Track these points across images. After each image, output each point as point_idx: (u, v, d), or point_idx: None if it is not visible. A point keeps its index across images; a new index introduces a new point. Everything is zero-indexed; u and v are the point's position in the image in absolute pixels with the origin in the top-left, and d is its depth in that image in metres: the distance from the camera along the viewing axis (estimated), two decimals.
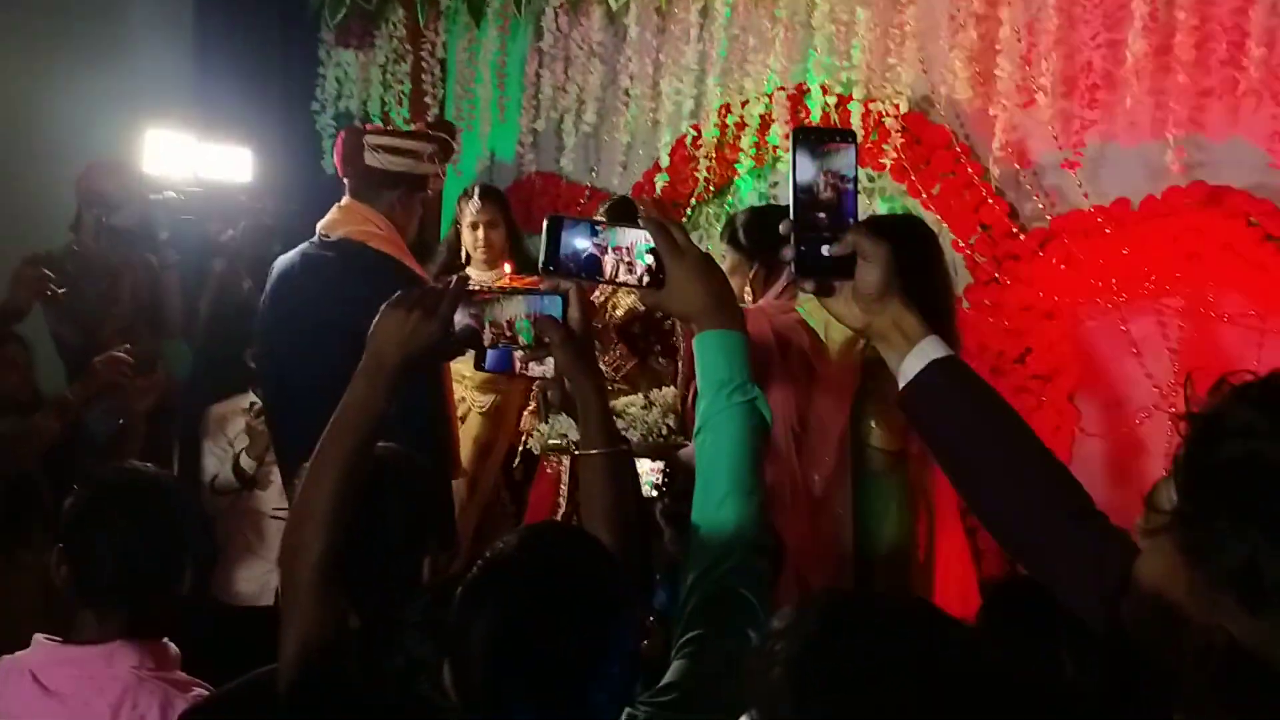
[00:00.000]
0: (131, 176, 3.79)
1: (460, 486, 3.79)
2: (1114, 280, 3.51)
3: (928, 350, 1.34)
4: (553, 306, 1.57)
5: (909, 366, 1.34)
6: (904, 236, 2.74)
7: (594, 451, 1.57)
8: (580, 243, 1.42)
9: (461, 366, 3.12)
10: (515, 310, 1.58)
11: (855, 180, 1.33)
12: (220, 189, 3.91)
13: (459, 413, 3.84)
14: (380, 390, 1.53)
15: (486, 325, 1.57)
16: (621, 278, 1.44)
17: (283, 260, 2.94)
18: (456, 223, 4.07)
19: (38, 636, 1.79)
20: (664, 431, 2.92)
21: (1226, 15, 3.21)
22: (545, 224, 1.43)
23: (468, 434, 3.82)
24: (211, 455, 3.66)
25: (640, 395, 3.00)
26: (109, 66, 4.49)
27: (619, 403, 2.99)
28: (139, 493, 1.84)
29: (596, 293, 3.44)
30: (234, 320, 3.77)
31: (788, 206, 1.32)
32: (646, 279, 1.42)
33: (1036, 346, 3.64)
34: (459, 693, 1.18)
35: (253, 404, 3.63)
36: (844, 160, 1.31)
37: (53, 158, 4.08)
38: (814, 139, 1.32)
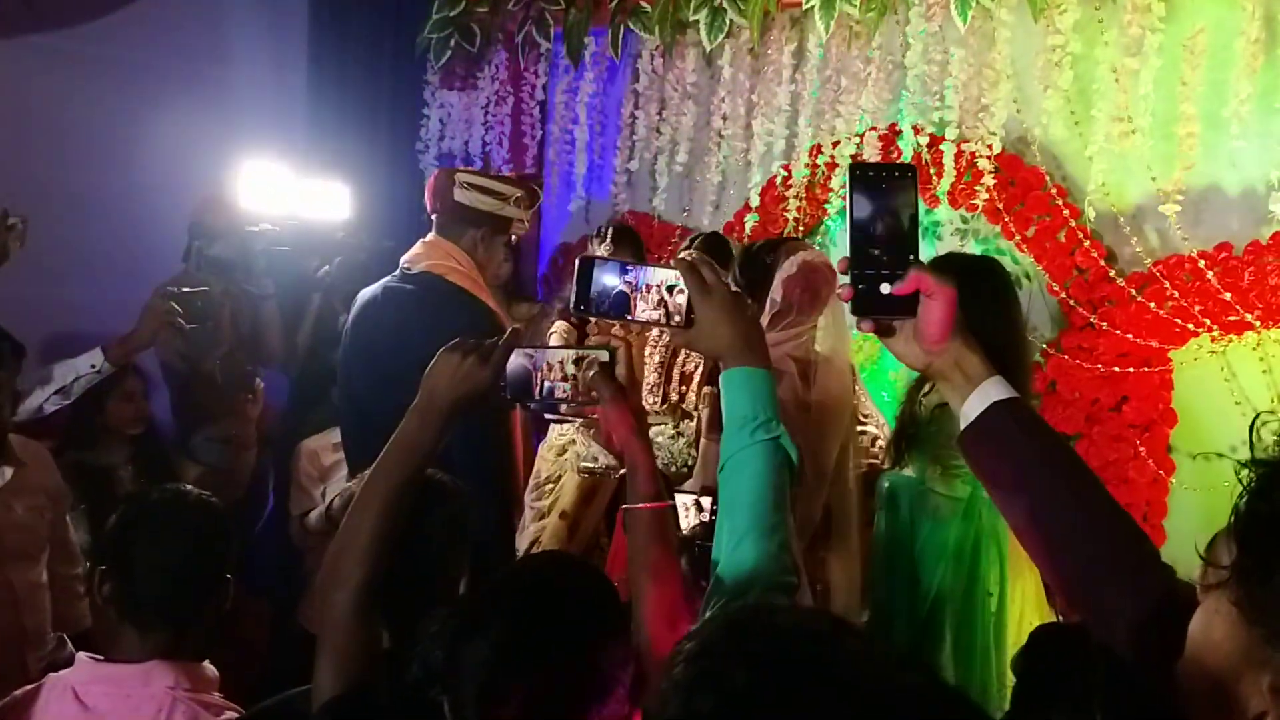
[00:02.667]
0: (231, 209, 3.94)
1: (561, 529, 3.81)
2: (1216, 327, 3.37)
3: (990, 391, 1.30)
4: (602, 358, 1.60)
5: (970, 407, 1.31)
6: (977, 277, 2.69)
7: (640, 506, 1.58)
8: (610, 282, 1.45)
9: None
10: (566, 357, 1.62)
11: (916, 216, 1.30)
12: (318, 225, 4.04)
13: (566, 456, 3.87)
14: (430, 429, 1.58)
15: (540, 368, 1.62)
16: (651, 316, 1.45)
17: (365, 292, 3.02)
18: None
19: (80, 654, 1.85)
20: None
21: None
22: (576, 265, 1.46)
23: (571, 480, 3.84)
24: (302, 489, 3.72)
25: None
26: (223, 105, 4.71)
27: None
28: (182, 513, 1.89)
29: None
30: (329, 354, 3.87)
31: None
32: (676, 318, 1.43)
33: (1134, 394, 3.51)
34: None
35: None
36: (903, 197, 1.29)
37: (164, 191, 4.27)
38: (871, 175, 1.29)
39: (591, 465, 3.48)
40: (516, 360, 1.61)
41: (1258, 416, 1.01)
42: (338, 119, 5.22)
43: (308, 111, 5.31)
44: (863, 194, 1.28)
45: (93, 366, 3.19)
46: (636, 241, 4.15)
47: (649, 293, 1.44)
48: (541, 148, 5.13)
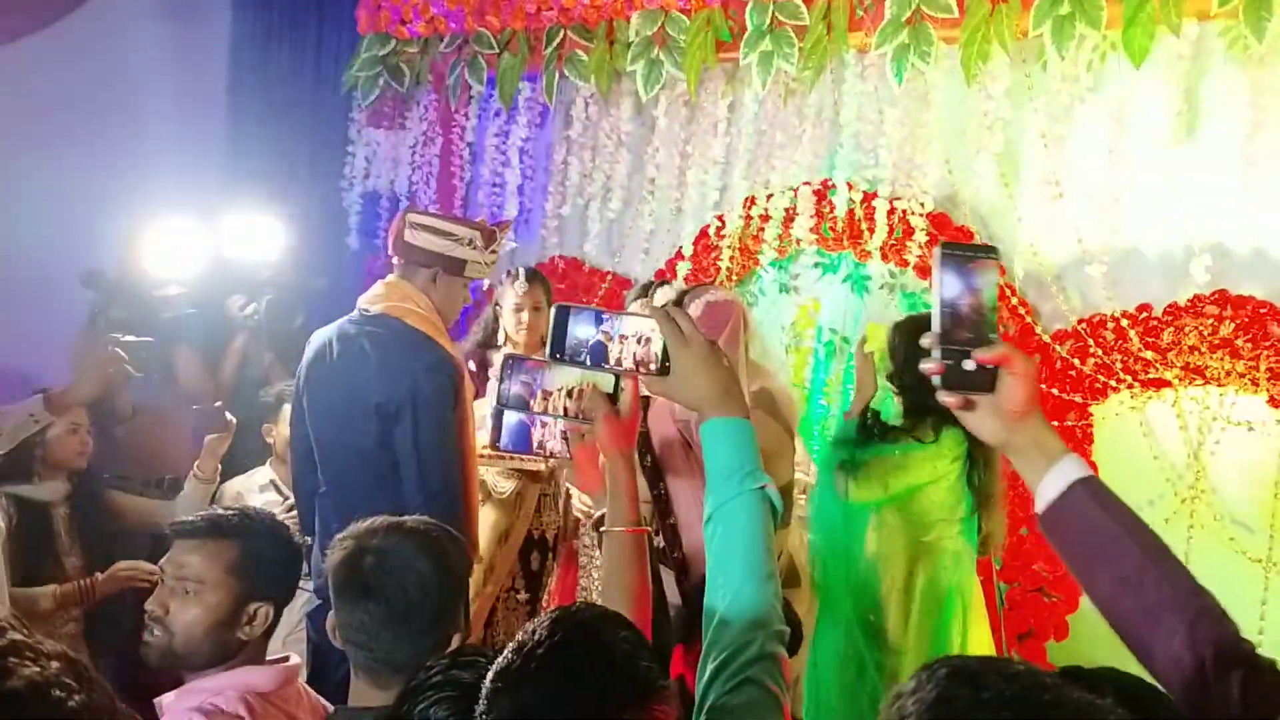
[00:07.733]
0: (130, 270, 3.80)
1: (476, 573, 3.75)
2: (1136, 384, 3.51)
3: (1068, 470, 1.30)
4: (605, 383, 1.59)
5: (1049, 486, 1.30)
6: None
7: (619, 529, 1.57)
8: (587, 330, 1.45)
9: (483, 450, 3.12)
10: (566, 380, 1.60)
11: (996, 295, 1.32)
12: (244, 264, 3.93)
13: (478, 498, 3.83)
14: None
15: (538, 393, 1.59)
16: (627, 365, 1.45)
17: (320, 333, 2.96)
18: (496, 303, 4.06)
19: None
20: None
21: (1250, 129, 3.24)
22: (553, 312, 1.46)
23: (485, 520, 3.78)
24: None
25: None
26: (136, 134, 4.57)
27: None
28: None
29: None
30: (254, 395, 3.76)
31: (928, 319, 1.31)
32: (652, 366, 1.44)
33: None
34: None
35: (272, 481, 3.60)
36: (987, 276, 1.30)
37: (68, 228, 4.13)
38: (959, 254, 1.31)
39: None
40: (515, 380, 1.59)
41: None
42: (258, 152, 5.11)
43: (226, 143, 5.20)
44: (951, 272, 1.30)
45: (32, 417, 3.04)
46: (547, 285, 4.15)
47: (624, 342, 1.45)
48: (470, 190, 5.09)
